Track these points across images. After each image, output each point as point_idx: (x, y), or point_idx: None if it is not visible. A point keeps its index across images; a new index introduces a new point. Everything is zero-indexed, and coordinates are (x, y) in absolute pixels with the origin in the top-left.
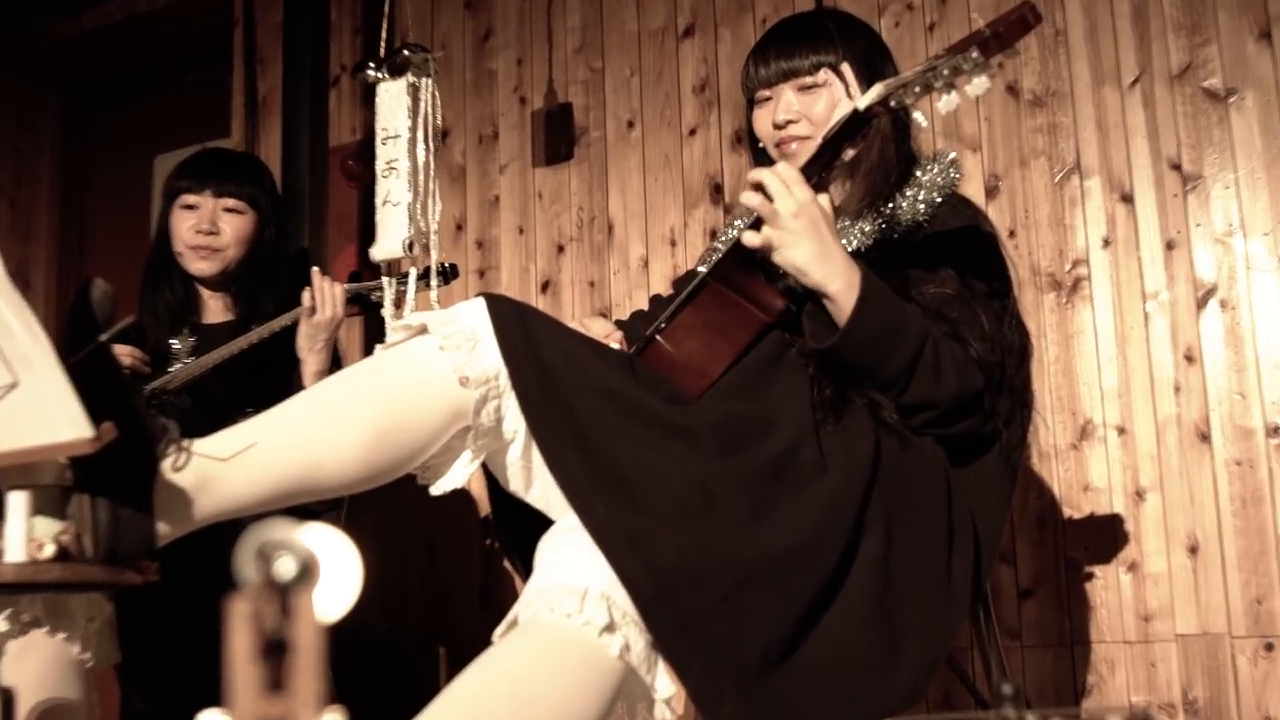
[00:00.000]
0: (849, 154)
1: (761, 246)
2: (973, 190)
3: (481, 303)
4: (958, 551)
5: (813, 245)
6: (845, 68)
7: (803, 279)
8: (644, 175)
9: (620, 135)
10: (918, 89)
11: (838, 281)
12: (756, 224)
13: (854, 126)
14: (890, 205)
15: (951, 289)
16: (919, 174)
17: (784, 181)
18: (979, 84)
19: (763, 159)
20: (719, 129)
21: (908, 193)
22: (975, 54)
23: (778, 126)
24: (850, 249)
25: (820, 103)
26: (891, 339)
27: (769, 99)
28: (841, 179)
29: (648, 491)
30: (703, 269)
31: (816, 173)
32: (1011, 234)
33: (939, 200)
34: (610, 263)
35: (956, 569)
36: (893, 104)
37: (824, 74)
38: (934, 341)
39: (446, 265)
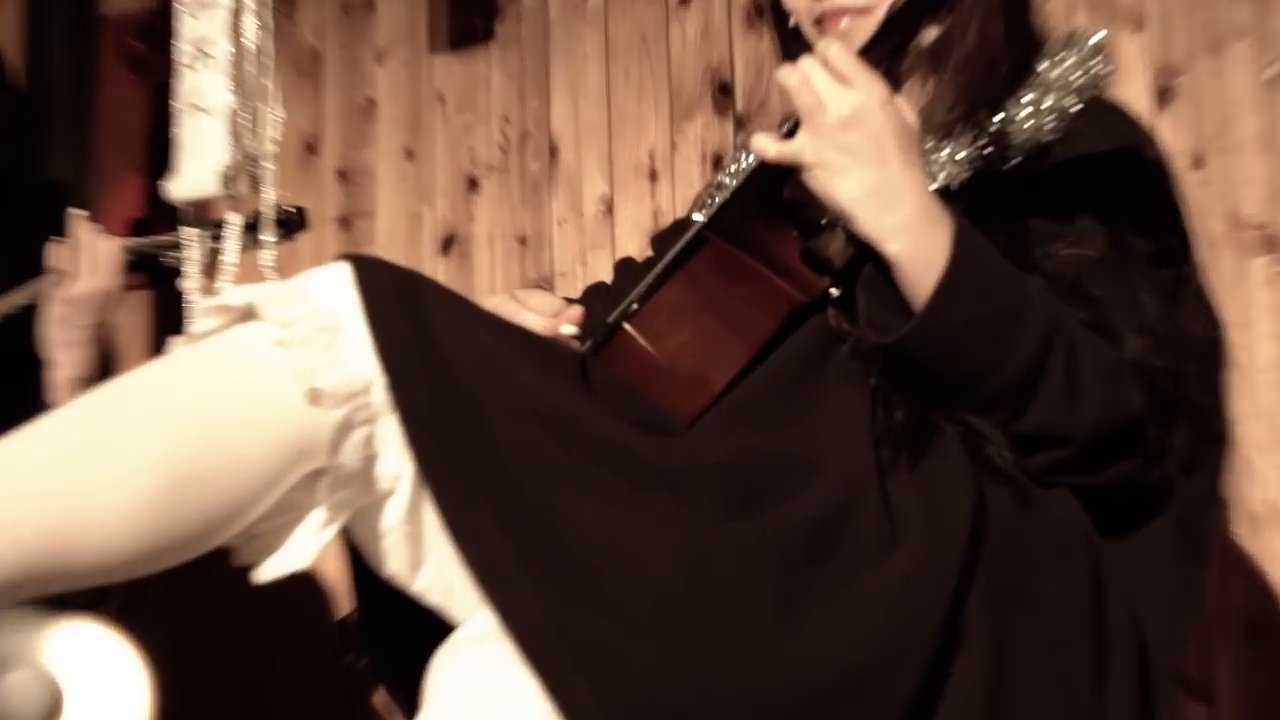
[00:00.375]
0: (930, 34)
1: (789, 163)
2: (1132, 93)
3: (345, 270)
4: (1113, 675)
5: (867, 175)
6: None
7: (850, 226)
8: (607, 67)
9: (571, 3)
10: None
11: (900, 239)
12: (794, 130)
13: None
14: (998, 117)
15: (1094, 250)
16: (1043, 68)
17: (838, 71)
18: None
19: (795, 46)
20: None
21: (1025, 97)
22: None
23: None
24: (934, 185)
25: None
26: (999, 331)
27: None
28: (920, 75)
29: (610, 575)
30: (699, 216)
31: (880, 63)
32: (1196, 163)
33: (1075, 109)
34: (553, 207)
35: (1112, 704)
36: None
37: None
38: (1067, 336)
39: (290, 210)
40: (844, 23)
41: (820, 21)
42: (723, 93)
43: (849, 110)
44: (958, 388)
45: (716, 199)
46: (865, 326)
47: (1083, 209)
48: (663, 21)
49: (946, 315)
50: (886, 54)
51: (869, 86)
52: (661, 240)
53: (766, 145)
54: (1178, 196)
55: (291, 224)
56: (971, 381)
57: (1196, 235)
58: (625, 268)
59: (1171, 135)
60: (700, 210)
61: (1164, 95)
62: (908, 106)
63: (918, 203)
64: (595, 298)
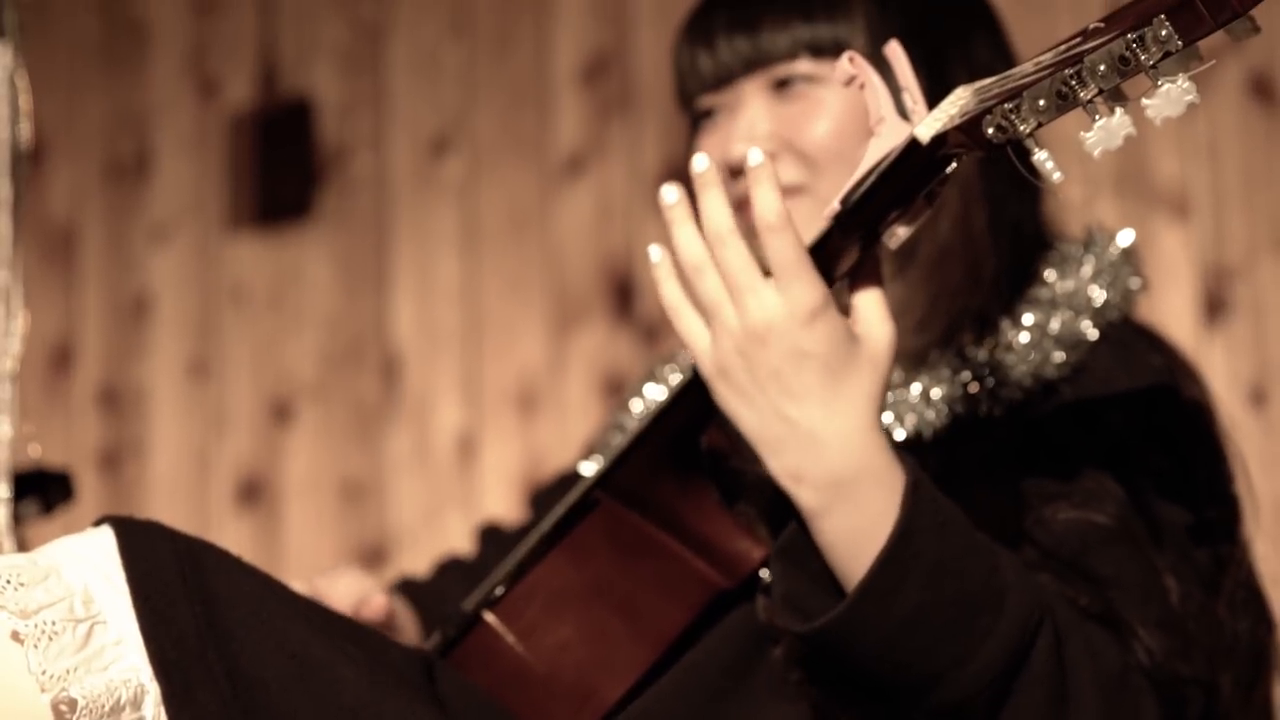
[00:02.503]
0: (898, 235)
1: (689, 349)
2: (1172, 306)
3: (108, 539)
4: None
5: (777, 409)
6: (894, 47)
7: (763, 462)
8: (470, 253)
9: (419, 165)
10: (1042, 102)
11: (819, 492)
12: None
13: (910, 176)
14: (987, 343)
15: (1106, 516)
16: (1051, 278)
17: (771, 253)
18: (1174, 94)
19: None
20: (633, 157)
21: (1026, 318)
22: (1165, 30)
23: (733, 170)
24: (901, 434)
25: (821, 117)
26: (960, 624)
27: (720, 110)
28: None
29: None
30: (590, 468)
31: (837, 260)
32: (1257, 400)
33: (1091, 335)
34: (393, 445)
35: None
36: (991, 132)
37: (825, 63)
38: (1055, 631)
39: (44, 473)
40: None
41: (740, 208)
42: (623, 295)
43: (760, 320)
44: (901, 694)
45: (617, 443)
46: (779, 610)
47: (1094, 463)
48: (543, 194)
49: (888, 600)
50: (836, 264)
51: (797, 288)
52: (544, 499)
53: (671, 294)
54: (1224, 451)
55: (46, 489)
56: (921, 688)
57: (1244, 506)
58: (491, 537)
59: (1224, 362)
60: (593, 459)
61: (1215, 308)
62: (879, 316)
63: (849, 453)
64: (449, 577)
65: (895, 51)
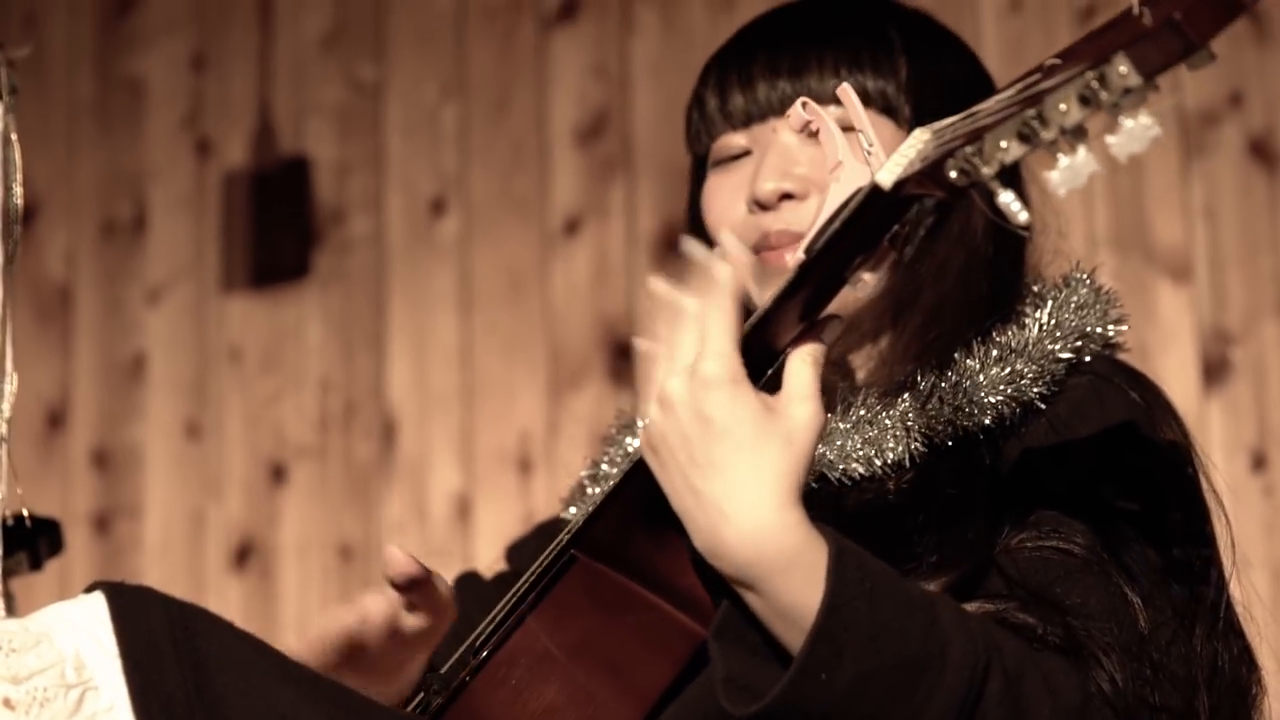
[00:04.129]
0: (865, 281)
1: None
2: (1168, 372)
3: (100, 605)
4: None
5: (684, 477)
6: (845, 89)
7: None
8: (467, 314)
9: (416, 226)
10: (1004, 144)
11: (732, 569)
12: None
13: (873, 222)
14: (965, 373)
15: (1075, 546)
16: (1027, 308)
17: (672, 336)
18: (1137, 131)
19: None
20: (631, 218)
21: (1001, 348)
22: (1125, 66)
23: (761, 205)
24: (888, 457)
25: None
26: (903, 687)
27: (743, 155)
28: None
29: None
30: (573, 518)
31: (793, 323)
32: (1258, 464)
33: (1064, 368)
34: (388, 507)
35: None
36: (954, 175)
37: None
38: (1005, 674)
39: (29, 520)
40: (789, 258)
41: (761, 251)
42: (621, 355)
43: (668, 385)
44: None
45: (589, 500)
46: (723, 693)
47: (1064, 494)
48: (541, 255)
49: (826, 675)
50: (782, 322)
51: (707, 360)
52: (521, 550)
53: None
54: (1199, 489)
55: (34, 545)
56: None
57: (1220, 547)
58: (468, 587)
59: (1224, 425)
60: (571, 511)
61: (1215, 371)
62: (804, 392)
63: (756, 529)
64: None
65: (846, 93)
